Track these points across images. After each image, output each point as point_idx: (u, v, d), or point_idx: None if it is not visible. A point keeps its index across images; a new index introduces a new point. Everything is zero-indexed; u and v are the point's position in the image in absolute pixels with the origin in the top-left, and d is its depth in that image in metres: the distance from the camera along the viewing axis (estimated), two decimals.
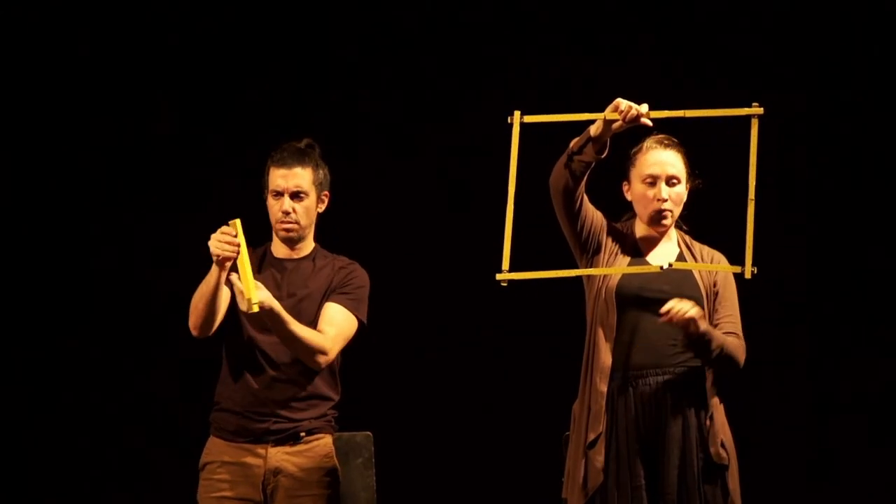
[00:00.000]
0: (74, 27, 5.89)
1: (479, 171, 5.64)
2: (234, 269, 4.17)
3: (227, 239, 4.11)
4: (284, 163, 4.34)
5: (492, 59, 5.91)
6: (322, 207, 4.41)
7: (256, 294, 4.08)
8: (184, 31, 5.92)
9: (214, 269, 4.17)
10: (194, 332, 4.30)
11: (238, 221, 4.13)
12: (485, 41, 5.92)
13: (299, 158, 4.35)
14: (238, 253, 4.10)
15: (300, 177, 4.33)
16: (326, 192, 4.41)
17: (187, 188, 5.87)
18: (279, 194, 4.34)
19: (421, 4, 5.95)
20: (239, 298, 4.14)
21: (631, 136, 4.21)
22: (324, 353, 4.27)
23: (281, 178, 4.33)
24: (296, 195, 4.33)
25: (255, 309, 4.07)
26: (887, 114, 5.81)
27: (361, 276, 4.43)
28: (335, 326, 4.31)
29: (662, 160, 4.24)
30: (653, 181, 4.23)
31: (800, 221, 5.81)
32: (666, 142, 4.27)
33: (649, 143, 4.27)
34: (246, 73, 5.93)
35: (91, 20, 5.89)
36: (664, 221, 4.25)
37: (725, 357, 4.15)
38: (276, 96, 5.91)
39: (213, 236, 4.14)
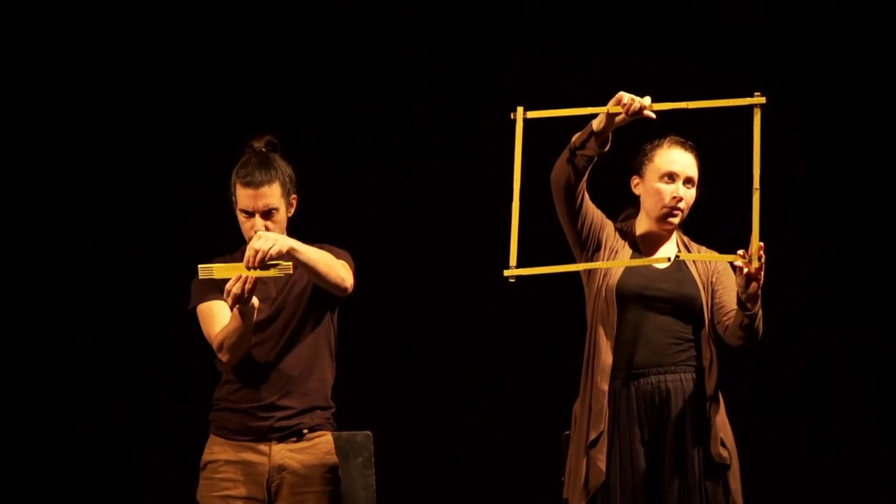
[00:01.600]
0: (73, 25, 5.90)
1: (481, 169, 5.66)
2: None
3: (237, 288, 4.07)
4: (251, 181, 4.25)
5: (494, 53, 5.92)
6: (292, 211, 4.36)
7: (277, 268, 4.09)
8: (184, 32, 5.93)
9: (240, 315, 4.16)
10: (230, 364, 4.28)
11: (203, 267, 4.10)
12: (488, 35, 5.93)
13: (265, 173, 4.26)
14: (246, 282, 4.07)
15: (268, 195, 4.26)
16: (294, 196, 4.36)
17: (186, 187, 5.88)
18: (250, 214, 4.28)
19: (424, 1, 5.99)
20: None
21: (634, 132, 4.22)
22: (345, 272, 4.26)
23: (249, 199, 4.26)
24: (266, 214, 4.28)
25: (290, 268, 4.08)
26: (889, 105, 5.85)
27: (341, 250, 4.39)
28: (340, 258, 4.30)
29: (684, 160, 4.26)
30: (671, 178, 4.25)
31: (800, 215, 5.83)
32: (687, 145, 4.29)
33: (671, 141, 4.29)
34: (245, 71, 5.94)
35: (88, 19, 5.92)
36: (672, 220, 4.26)
37: (760, 321, 4.10)
38: (277, 94, 5.91)
39: (227, 302, 4.11)
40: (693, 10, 5.86)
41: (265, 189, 4.26)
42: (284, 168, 4.33)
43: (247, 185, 4.26)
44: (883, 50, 5.85)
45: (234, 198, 4.32)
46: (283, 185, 4.29)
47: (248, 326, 4.20)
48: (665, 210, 4.24)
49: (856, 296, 5.83)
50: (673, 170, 4.24)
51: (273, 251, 4.06)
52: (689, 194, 4.26)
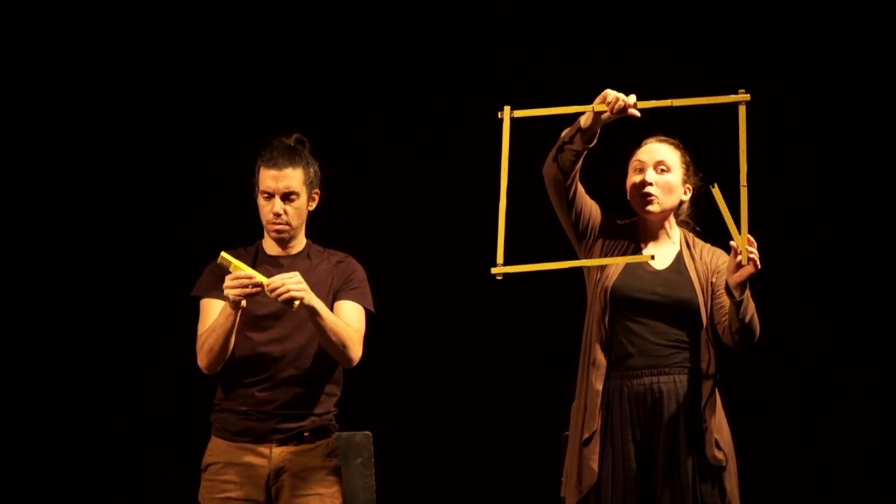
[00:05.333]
0: (73, 24, 5.94)
1: (471, 167, 5.67)
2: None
3: (241, 282, 4.11)
4: (275, 164, 4.31)
5: (484, 54, 5.92)
6: (313, 205, 4.40)
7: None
8: (186, 27, 5.95)
9: (228, 310, 4.18)
10: (207, 371, 4.31)
11: (225, 254, 4.15)
12: (478, 36, 5.94)
13: (289, 158, 4.33)
14: (259, 285, 4.12)
15: (290, 178, 4.31)
16: (317, 190, 4.40)
17: (185, 187, 5.89)
18: (270, 195, 4.32)
19: (419, 2, 6.00)
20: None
21: (629, 130, 4.24)
22: (358, 347, 4.30)
23: (271, 179, 4.31)
24: (286, 196, 4.32)
25: (297, 304, 4.12)
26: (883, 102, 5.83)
27: (360, 269, 4.43)
28: (356, 323, 4.33)
29: (653, 149, 4.30)
30: (641, 167, 4.28)
31: (797, 211, 5.82)
32: (663, 138, 4.32)
33: (645, 141, 4.33)
34: (245, 68, 5.95)
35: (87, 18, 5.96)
36: (649, 207, 4.27)
37: (754, 319, 4.12)
38: (275, 93, 5.92)
39: (227, 285, 4.13)
40: (678, 8, 5.87)
41: (288, 171, 4.31)
42: (310, 160, 4.38)
43: (270, 166, 4.32)
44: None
45: (256, 184, 4.36)
46: (306, 173, 4.34)
47: (232, 329, 4.20)
48: (638, 197, 4.27)
49: (855, 294, 5.83)
50: (640, 159, 4.29)
51: (295, 295, 4.11)
52: (664, 179, 4.28)
